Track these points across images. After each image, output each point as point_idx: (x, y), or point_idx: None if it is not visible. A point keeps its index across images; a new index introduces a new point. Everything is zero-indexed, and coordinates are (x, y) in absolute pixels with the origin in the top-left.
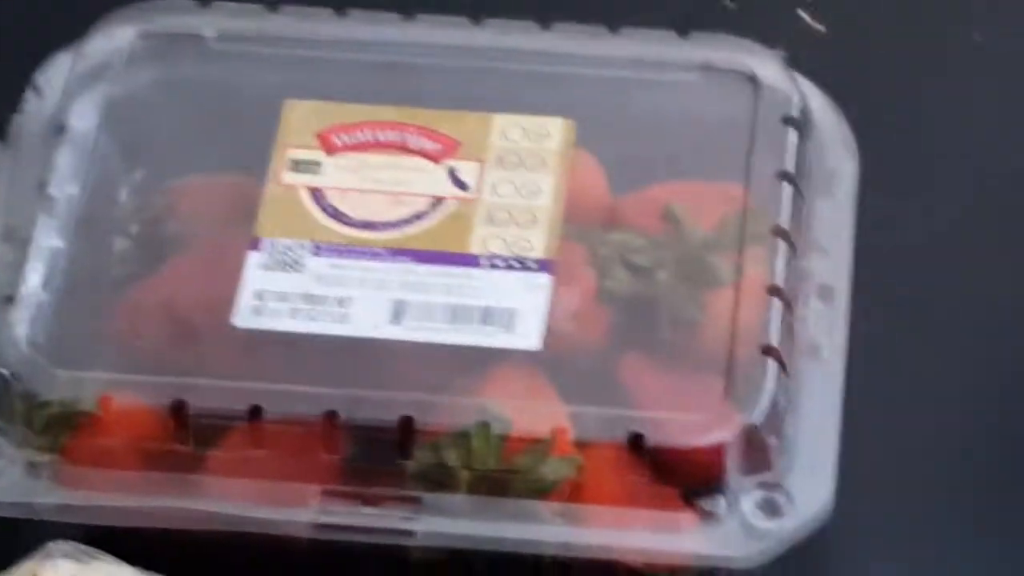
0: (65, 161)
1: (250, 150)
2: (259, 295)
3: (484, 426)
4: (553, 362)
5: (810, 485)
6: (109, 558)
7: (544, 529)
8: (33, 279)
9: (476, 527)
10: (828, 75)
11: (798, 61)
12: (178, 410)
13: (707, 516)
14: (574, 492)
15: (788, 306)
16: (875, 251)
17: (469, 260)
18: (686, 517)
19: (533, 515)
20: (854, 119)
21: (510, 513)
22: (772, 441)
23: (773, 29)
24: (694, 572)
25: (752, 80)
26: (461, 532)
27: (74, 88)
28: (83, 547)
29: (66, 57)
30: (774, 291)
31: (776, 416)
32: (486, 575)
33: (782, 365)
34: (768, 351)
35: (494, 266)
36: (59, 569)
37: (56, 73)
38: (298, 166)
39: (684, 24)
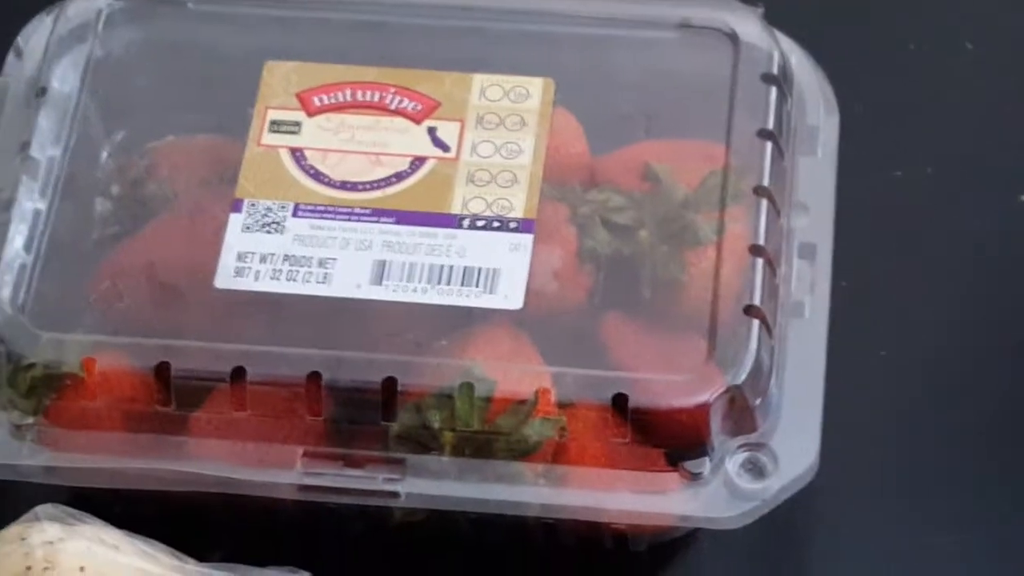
0: (47, 123)
1: (230, 111)
2: (241, 256)
3: (468, 387)
4: (535, 322)
5: (795, 445)
6: (96, 520)
7: (528, 490)
8: (16, 241)
9: (460, 488)
10: (806, 31)
11: (775, 17)
12: (161, 372)
13: (691, 477)
14: (557, 453)
15: (771, 265)
16: (857, 207)
17: (450, 220)
18: (670, 478)
19: (517, 476)
20: (832, 75)
21: (494, 474)
22: (756, 401)
23: None
24: (678, 533)
25: (731, 37)
26: (445, 494)
27: (55, 50)
28: (69, 510)
29: (47, 19)
30: (756, 250)
31: (760, 376)
32: (469, 536)
33: (766, 325)
34: (751, 311)
35: (475, 226)
36: (46, 532)
37: (37, 35)
38: (278, 127)
39: None
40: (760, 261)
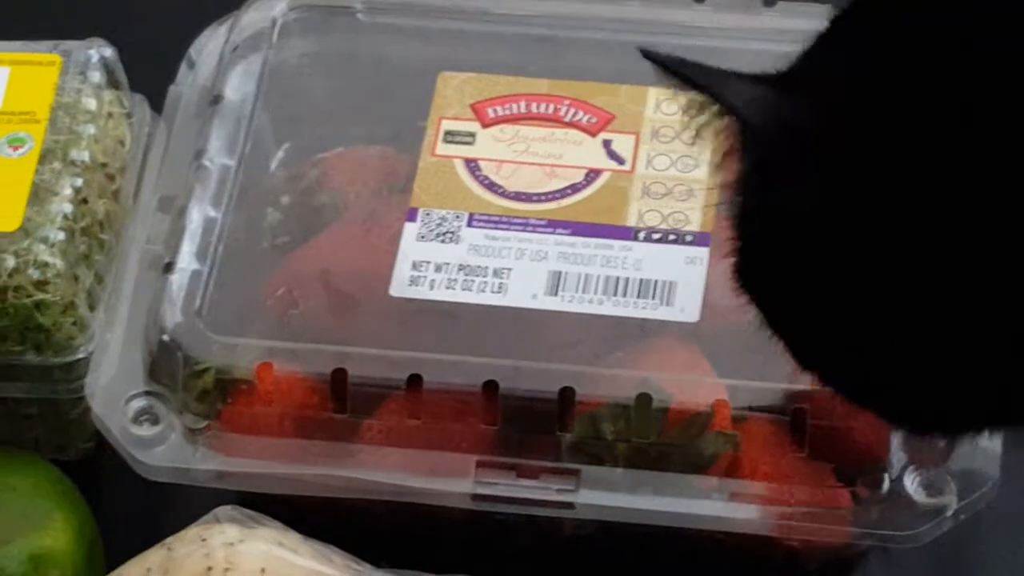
0: (219, 132)
1: (401, 122)
2: (416, 265)
3: (645, 399)
4: (709, 335)
5: (976, 462)
6: (274, 523)
7: (702, 504)
8: (190, 247)
9: (633, 500)
10: None
11: None
12: (336, 378)
13: (868, 493)
14: (730, 467)
15: None
16: None
17: (626, 233)
18: (845, 494)
19: (690, 489)
20: None
21: (667, 487)
22: None
23: None
24: (850, 551)
25: None
26: (619, 505)
27: (228, 60)
28: (248, 512)
29: (220, 30)
30: None
31: None
32: (638, 550)
33: None
34: None
35: (651, 239)
36: (226, 533)
37: (210, 46)
38: (453, 137)
39: None
40: None
